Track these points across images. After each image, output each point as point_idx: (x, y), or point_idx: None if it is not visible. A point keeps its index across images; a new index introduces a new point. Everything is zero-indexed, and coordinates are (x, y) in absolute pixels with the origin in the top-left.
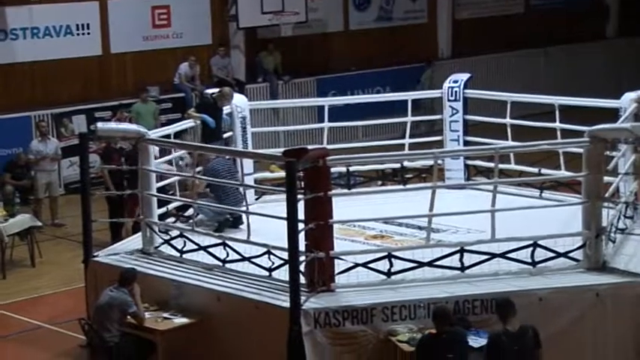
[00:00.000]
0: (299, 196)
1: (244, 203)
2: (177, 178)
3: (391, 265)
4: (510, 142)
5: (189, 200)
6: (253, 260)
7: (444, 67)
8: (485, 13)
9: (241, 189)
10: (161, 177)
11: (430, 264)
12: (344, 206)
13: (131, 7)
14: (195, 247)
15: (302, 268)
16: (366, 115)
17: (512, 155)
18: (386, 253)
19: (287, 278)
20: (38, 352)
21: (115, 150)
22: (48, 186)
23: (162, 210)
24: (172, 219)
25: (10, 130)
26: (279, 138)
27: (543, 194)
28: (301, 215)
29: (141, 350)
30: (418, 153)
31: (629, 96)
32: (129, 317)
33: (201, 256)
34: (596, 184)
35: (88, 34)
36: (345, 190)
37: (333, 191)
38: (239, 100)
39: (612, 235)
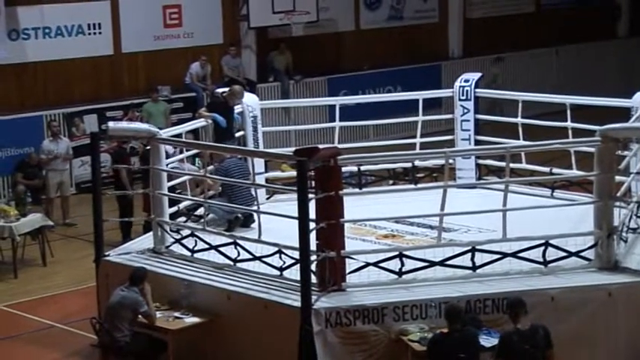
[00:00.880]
0: (310, 196)
1: (255, 203)
2: (188, 177)
3: (402, 264)
4: (522, 142)
5: (199, 199)
6: (264, 259)
7: (455, 67)
8: (496, 13)
9: (252, 189)
10: (171, 176)
11: (441, 263)
12: (355, 205)
13: (142, 6)
14: (207, 246)
15: (313, 267)
16: (377, 114)
17: (523, 154)
18: (397, 253)
19: (298, 277)
20: (50, 352)
21: (125, 150)
22: (59, 185)
23: (174, 209)
24: (183, 218)
25: (21, 129)
26: (291, 137)
27: (555, 194)
28: (312, 214)
29: (152, 349)
30: (429, 152)
31: None
32: (140, 316)
33: (213, 256)
34: (607, 184)
35: (100, 33)
36: (357, 190)
37: (345, 190)
38: (250, 99)
39: (624, 234)
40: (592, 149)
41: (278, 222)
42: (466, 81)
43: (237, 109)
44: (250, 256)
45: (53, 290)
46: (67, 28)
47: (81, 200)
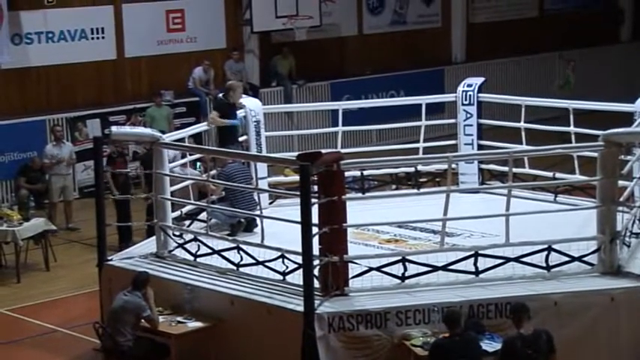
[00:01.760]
0: (313, 200)
1: (258, 208)
2: (191, 182)
3: (405, 269)
4: (524, 146)
5: (202, 204)
6: (267, 264)
7: (458, 72)
8: (499, 17)
9: (255, 193)
10: (173, 180)
11: (444, 268)
12: (358, 210)
13: (145, 11)
14: (209, 250)
15: (316, 272)
16: (380, 119)
17: (526, 159)
18: (400, 257)
19: (301, 282)
20: (52, 356)
21: (119, 154)
22: (62, 190)
23: (176, 213)
24: (187, 222)
25: (24, 134)
26: (293, 142)
27: (558, 198)
28: (315, 219)
29: (155, 354)
30: (432, 157)
31: None
32: (143, 321)
33: (215, 260)
34: (610, 188)
35: (103, 38)
36: (359, 194)
37: (347, 195)
38: (253, 104)
39: (627, 239)
40: (595, 154)
41: (281, 227)
42: (469, 85)
43: (241, 112)
44: (253, 261)
45: (56, 295)
46: (70, 33)
47: (84, 205)
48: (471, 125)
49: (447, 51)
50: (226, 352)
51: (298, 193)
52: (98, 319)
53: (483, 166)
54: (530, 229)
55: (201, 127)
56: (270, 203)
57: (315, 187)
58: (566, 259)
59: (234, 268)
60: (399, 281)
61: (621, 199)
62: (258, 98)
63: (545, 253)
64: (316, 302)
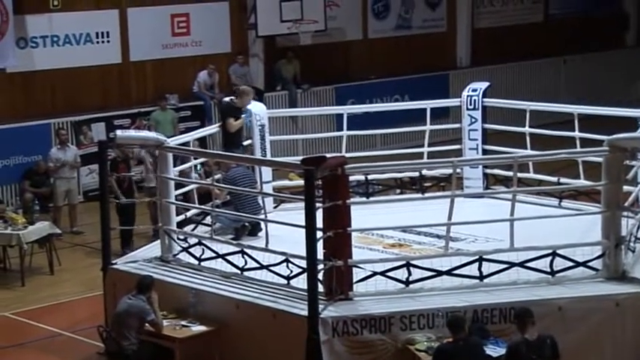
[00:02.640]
0: (317, 204)
1: (262, 212)
2: (195, 185)
3: (409, 273)
4: (529, 151)
5: (206, 208)
6: (272, 268)
7: (463, 76)
8: (504, 22)
9: (259, 198)
10: (177, 184)
11: (449, 273)
12: (362, 214)
13: (151, 15)
14: (214, 254)
15: (320, 276)
16: (385, 123)
17: (531, 164)
18: (404, 262)
19: (305, 286)
20: None
21: (122, 159)
22: (67, 193)
23: (181, 217)
24: (192, 226)
25: (29, 137)
26: (298, 146)
27: (562, 203)
28: (320, 223)
29: (159, 358)
30: (437, 161)
31: None
32: (147, 325)
33: (220, 264)
34: (615, 194)
35: (108, 42)
36: (364, 199)
37: (352, 199)
38: (258, 108)
39: (632, 244)
40: (600, 159)
41: (285, 231)
42: (474, 90)
43: (244, 116)
44: (258, 265)
45: (60, 298)
46: (75, 37)
47: (88, 208)
48: (476, 130)
49: (451, 56)
50: (230, 356)
51: (303, 197)
52: (102, 323)
53: (488, 170)
54: (535, 234)
55: (207, 130)
56: (275, 207)
57: (320, 192)
58: (571, 264)
59: (239, 272)
60: (403, 286)
61: (626, 205)
62: (263, 102)
63: (550, 258)
64: (320, 306)
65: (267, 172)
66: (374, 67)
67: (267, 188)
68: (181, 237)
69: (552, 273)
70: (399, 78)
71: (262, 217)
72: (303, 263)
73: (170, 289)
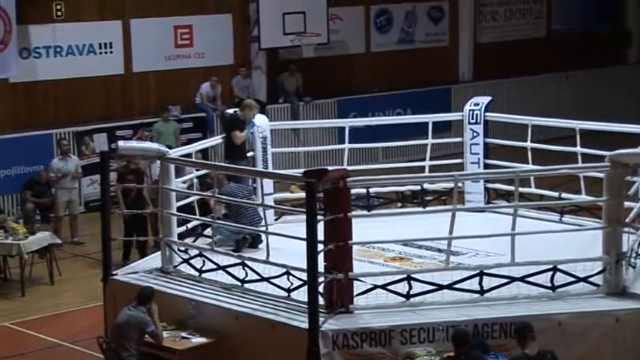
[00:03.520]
0: (319, 217)
1: (262, 224)
2: (196, 197)
3: (410, 287)
4: (531, 166)
5: (207, 220)
6: (272, 280)
7: (465, 90)
8: (506, 37)
9: (260, 210)
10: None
11: (449, 287)
12: (363, 228)
13: (154, 26)
14: (214, 266)
15: (321, 289)
16: (387, 136)
17: (532, 179)
18: (405, 275)
19: (306, 299)
20: None
21: (130, 170)
22: (68, 204)
23: (182, 229)
24: (192, 237)
25: (31, 147)
26: (300, 158)
27: (563, 218)
28: (321, 236)
29: None
30: (438, 175)
31: None
32: (147, 336)
33: (220, 276)
34: (616, 209)
35: (111, 52)
36: (365, 212)
37: (353, 212)
38: (260, 120)
39: (633, 260)
40: (601, 175)
41: (286, 243)
42: (476, 104)
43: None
44: (258, 277)
45: (60, 309)
46: (78, 47)
47: (89, 219)
48: (478, 144)
49: (454, 70)
50: None
51: (304, 209)
52: (102, 334)
53: (489, 185)
54: (536, 248)
55: (209, 142)
56: (276, 220)
57: (321, 204)
58: (572, 279)
59: (239, 284)
60: (403, 299)
61: (627, 220)
62: (265, 115)
63: (551, 273)
64: (321, 319)
65: (268, 185)
66: (376, 81)
67: (269, 200)
68: (182, 248)
69: (553, 288)
70: (402, 92)
71: (263, 229)
72: (304, 276)
73: (170, 301)
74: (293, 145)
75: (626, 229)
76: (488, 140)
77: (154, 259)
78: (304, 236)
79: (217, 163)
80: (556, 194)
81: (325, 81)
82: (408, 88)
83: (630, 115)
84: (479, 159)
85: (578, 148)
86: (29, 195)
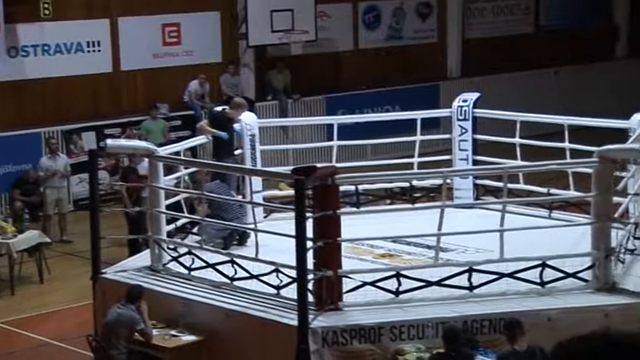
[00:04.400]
0: (308, 214)
1: (245, 218)
2: (184, 195)
3: (399, 284)
4: (519, 162)
5: (196, 217)
6: (261, 278)
7: (454, 87)
8: (494, 33)
9: (245, 206)
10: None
11: (438, 283)
12: (352, 225)
13: (141, 24)
14: (204, 264)
15: (310, 286)
16: (375, 133)
17: (521, 175)
18: (394, 272)
19: (295, 296)
20: None
21: (132, 169)
22: (57, 202)
23: (171, 227)
24: (181, 236)
25: (19, 146)
26: (288, 156)
27: (552, 214)
28: (310, 233)
29: None
30: (427, 172)
31: (639, 117)
32: (137, 334)
33: (210, 274)
34: (605, 205)
35: (99, 51)
36: (354, 209)
37: (342, 210)
38: (248, 117)
39: (621, 255)
40: (590, 170)
41: (275, 240)
42: (464, 101)
43: (236, 125)
44: (247, 275)
45: (50, 307)
46: (66, 46)
47: (78, 217)
48: (466, 140)
49: (442, 66)
50: None
51: (293, 207)
52: (92, 332)
53: (478, 181)
54: (525, 244)
55: (198, 140)
56: (265, 217)
57: (310, 201)
58: (561, 275)
59: (229, 281)
60: (393, 296)
61: (616, 216)
62: (254, 112)
63: (540, 269)
64: (310, 317)
65: (257, 182)
66: (364, 78)
67: (258, 198)
68: (171, 246)
69: (542, 284)
70: (390, 88)
71: (251, 226)
72: (293, 273)
73: (160, 299)
74: (281, 143)
75: (615, 225)
76: (477, 137)
77: (144, 258)
78: (293, 233)
79: (205, 161)
80: (545, 190)
81: (313, 78)
82: (397, 85)
83: (618, 111)
84: (467, 155)
85: (567, 144)
86: (18, 194)
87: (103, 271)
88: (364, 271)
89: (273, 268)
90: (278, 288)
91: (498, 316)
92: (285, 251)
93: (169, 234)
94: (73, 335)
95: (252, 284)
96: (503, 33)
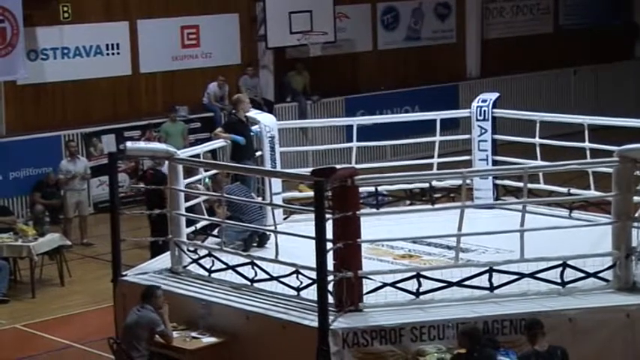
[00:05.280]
0: (327, 216)
1: (265, 220)
2: (203, 198)
3: (420, 284)
4: (539, 162)
5: (215, 219)
6: (282, 280)
7: (473, 87)
8: (514, 33)
9: (266, 208)
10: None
11: (459, 284)
12: (372, 226)
13: (160, 27)
14: (224, 266)
15: (330, 287)
16: (395, 134)
17: (541, 175)
18: (414, 273)
19: (315, 298)
20: None
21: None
22: (77, 205)
23: (191, 229)
24: (201, 238)
25: (40, 149)
26: (308, 157)
27: (573, 214)
28: (330, 235)
29: None
30: (446, 172)
31: None
32: (157, 336)
33: (230, 276)
34: (625, 204)
35: (118, 54)
36: (374, 210)
37: (362, 211)
38: (268, 119)
39: None
40: (610, 170)
41: (295, 242)
42: (484, 101)
43: (255, 127)
44: (268, 277)
45: (71, 310)
46: (85, 49)
47: (98, 220)
48: (486, 141)
49: (461, 66)
50: None
51: (312, 208)
52: (112, 335)
53: (498, 181)
54: (545, 245)
55: (217, 142)
56: (285, 219)
57: (330, 203)
58: (582, 275)
59: (249, 283)
60: (413, 297)
61: (636, 215)
62: (273, 114)
63: (560, 269)
64: (330, 318)
65: (276, 184)
66: (383, 79)
67: (277, 200)
68: (191, 248)
69: (563, 284)
70: (409, 89)
71: (271, 227)
72: (313, 274)
73: (180, 301)
74: (301, 144)
75: (636, 224)
76: (497, 137)
77: (164, 260)
78: (313, 235)
79: (225, 163)
80: (565, 190)
81: (332, 79)
82: (416, 86)
83: (639, 110)
84: (487, 155)
85: (587, 144)
86: (38, 197)
87: (124, 273)
88: (384, 272)
89: (293, 269)
90: (298, 289)
91: (519, 316)
92: (305, 253)
93: (189, 236)
94: (95, 338)
95: (273, 286)
96: (522, 33)
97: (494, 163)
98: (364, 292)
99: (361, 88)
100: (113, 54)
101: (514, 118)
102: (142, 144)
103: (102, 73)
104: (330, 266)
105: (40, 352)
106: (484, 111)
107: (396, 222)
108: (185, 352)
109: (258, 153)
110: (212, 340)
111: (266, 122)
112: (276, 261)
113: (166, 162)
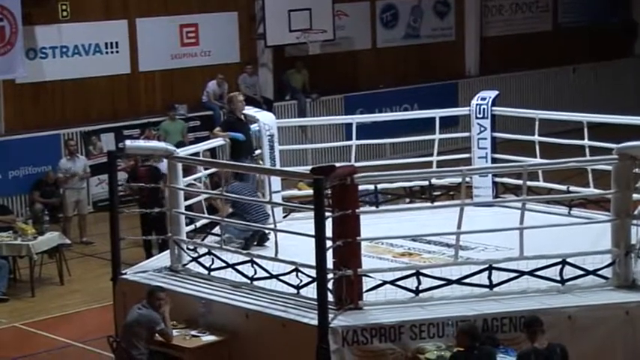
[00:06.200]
0: (327, 214)
1: (269, 221)
2: (204, 196)
3: (419, 282)
4: (539, 160)
5: (216, 218)
6: (281, 278)
7: (472, 85)
8: (513, 31)
9: (267, 207)
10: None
11: (458, 281)
12: (372, 224)
13: (159, 25)
14: (224, 264)
15: (330, 285)
16: (394, 132)
17: (540, 173)
18: (414, 271)
19: (315, 296)
20: None
21: (159, 171)
22: (77, 204)
23: (190, 227)
24: (201, 236)
25: (39, 148)
26: (307, 156)
27: (572, 212)
28: (329, 233)
29: None
30: (446, 170)
31: None
32: (157, 335)
33: (230, 274)
34: (625, 202)
35: (117, 52)
36: (373, 208)
37: (361, 209)
38: (267, 117)
39: None
40: (609, 167)
41: (295, 240)
42: (483, 99)
43: (254, 126)
44: (267, 275)
45: (70, 309)
46: (84, 47)
47: (98, 219)
48: (485, 139)
49: (460, 64)
50: None
51: (312, 206)
52: (112, 333)
53: (497, 179)
54: (545, 242)
55: (217, 141)
56: (284, 217)
57: (329, 201)
58: (581, 272)
59: (248, 281)
60: (413, 295)
61: (636, 213)
62: (272, 112)
63: (560, 266)
64: (330, 316)
65: (276, 182)
66: (383, 77)
67: (277, 198)
68: (191, 247)
69: (562, 281)
70: (408, 87)
71: (271, 226)
72: (313, 273)
73: (180, 299)
74: (300, 142)
75: (635, 222)
76: (496, 134)
77: (163, 258)
78: (313, 233)
79: (225, 162)
80: (564, 187)
81: (332, 77)
82: (415, 84)
83: (637, 108)
84: (486, 153)
85: (586, 141)
86: (37, 195)
87: (123, 272)
88: (384, 270)
89: (292, 267)
90: (298, 287)
91: (518, 314)
92: (304, 251)
93: (188, 235)
94: (94, 336)
95: (272, 284)
96: (522, 30)
97: (494, 160)
98: (364, 290)
99: (360, 86)
100: (112, 52)
101: (513, 115)
102: (141, 142)
103: (101, 72)
104: (329, 264)
105: (40, 351)
106: (483, 109)
107: (395, 220)
108: (185, 351)
109: (258, 151)
110: (212, 338)
111: (265, 120)
112: (275, 259)
113: (164, 160)
